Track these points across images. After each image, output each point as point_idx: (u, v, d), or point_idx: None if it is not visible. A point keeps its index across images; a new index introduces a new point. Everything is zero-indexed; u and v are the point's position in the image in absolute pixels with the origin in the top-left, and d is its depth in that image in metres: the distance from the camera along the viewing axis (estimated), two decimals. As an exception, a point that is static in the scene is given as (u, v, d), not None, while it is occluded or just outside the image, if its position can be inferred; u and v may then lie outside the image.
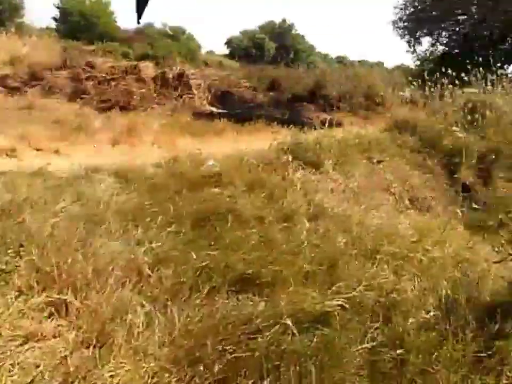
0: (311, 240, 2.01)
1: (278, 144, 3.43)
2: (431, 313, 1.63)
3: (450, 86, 6.24)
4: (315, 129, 3.86)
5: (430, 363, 1.41)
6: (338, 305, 1.63)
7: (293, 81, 8.89)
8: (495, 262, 1.98)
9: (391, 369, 1.42)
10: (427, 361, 1.42)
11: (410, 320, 1.58)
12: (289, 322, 1.51)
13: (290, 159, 3.07)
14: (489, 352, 1.46)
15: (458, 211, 2.68)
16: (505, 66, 14.20)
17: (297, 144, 3.30)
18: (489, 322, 1.58)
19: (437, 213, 3.27)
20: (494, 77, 6.45)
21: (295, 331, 1.48)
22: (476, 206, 3.45)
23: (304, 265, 1.83)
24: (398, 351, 1.45)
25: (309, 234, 2.07)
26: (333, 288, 1.73)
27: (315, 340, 1.48)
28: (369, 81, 8.29)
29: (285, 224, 2.10)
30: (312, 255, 1.92)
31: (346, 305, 1.64)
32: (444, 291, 1.76)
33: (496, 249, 2.02)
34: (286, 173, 2.81)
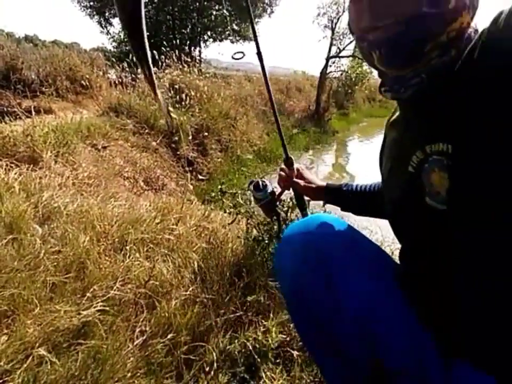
0: (48, 247, 1.72)
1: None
2: (190, 288, 1.69)
3: (154, 68, 6.54)
4: (20, 118, 3.29)
5: (200, 337, 1.47)
6: (98, 310, 1.47)
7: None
8: (229, 223, 2.22)
9: (166, 356, 1.40)
10: (197, 336, 1.47)
11: (173, 302, 1.59)
12: (42, 351, 1.27)
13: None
14: (245, 308, 1.64)
15: (189, 184, 2.86)
16: (192, 49, 16.10)
17: (2, 139, 2.72)
18: (238, 280, 1.76)
19: (171, 189, 3.42)
20: (189, 59, 7.16)
21: (52, 359, 1.25)
22: (201, 177, 3.82)
23: (48, 278, 1.55)
24: (168, 336, 1.44)
25: (44, 241, 1.76)
26: (88, 294, 1.54)
27: (80, 357, 1.29)
28: (70, 63, 7.71)
29: (11, 236, 1.71)
30: (55, 264, 1.64)
31: (107, 308, 1.50)
32: (195, 264, 1.85)
33: (227, 213, 2.26)
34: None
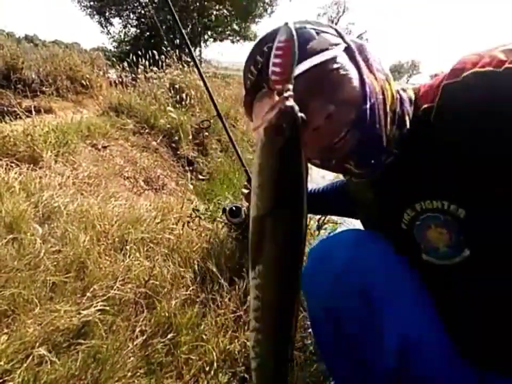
0: (48, 247, 1.72)
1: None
2: (190, 288, 1.69)
3: (154, 68, 6.56)
4: (20, 118, 3.28)
5: (200, 336, 1.47)
6: (98, 310, 1.47)
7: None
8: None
9: (166, 356, 1.40)
10: (197, 336, 1.47)
11: (173, 302, 1.59)
12: (42, 351, 1.27)
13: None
14: (245, 308, 1.64)
15: (189, 184, 2.86)
16: (192, 49, 16.09)
17: (2, 139, 2.71)
18: (238, 280, 1.76)
19: (171, 189, 3.43)
20: (189, 59, 7.14)
21: (52, 358, 1.26)
22: (201, 177, 3.83)
23: (48, 278, 1.55)
24: (169, 336, 1.44)
25: (44, 241, 1.76)
26: (88, 294, 1.54)
27: (80, 356, 1.30)
28: (71, 62, 7.70)
29: (11, 236, 1.71)
30: (55, 263, 1.64)
31: (107, 308, 1.50)
32: (196, 264, 1.85)
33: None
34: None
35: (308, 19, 0.79)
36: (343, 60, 0.69)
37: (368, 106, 0.66)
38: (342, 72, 0.67)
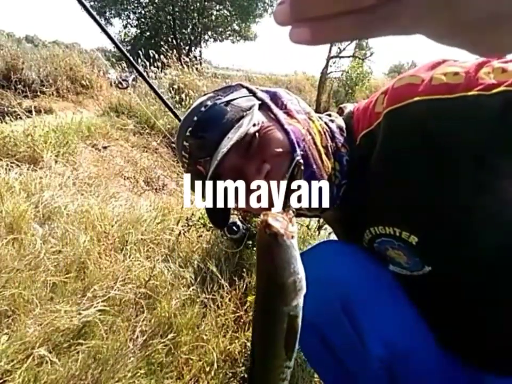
0: (49, 247, 1.72)
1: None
2: (190, 288, 1.69)
3: (154, 68, 6.56)
4: (21, 118, 3.28)
5: (200, 336, 1.47)
6: (98, 310, 1.47)
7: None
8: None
9: (166, 356, 1.40)
10: (197, 336, 1.47)
11: (173, 302, 1.59)
12: (42, 351, 1.27)
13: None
14: (245, 308, 1.64)
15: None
16: (192, 49, 16.11)
17: (3, 139, 2.71)
18: (238, 280, 1.76)
19: (172, 189, 3.43)
20: (189, 59, 7.17)
21: (52, 359, 1.26)
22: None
23: (48, 278, 1.55)
24: (169, 336, 1.44)
25: (45, 241, 1.76)
26: (88, 294, 1.54)
27: (80, 357, 1.30)
28: (71, 63, 7.69)
29: (11, 236, 1.71)
30: (55, 264, 1.65)
31: (107, 308, 1.50)
32: (196, 264, 1.85)
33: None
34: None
35: (216, 88, 0.80)
36: (260, 119, 0.70)
37: (299, 152, 0.67)
38: (263, 131, 0.68)
